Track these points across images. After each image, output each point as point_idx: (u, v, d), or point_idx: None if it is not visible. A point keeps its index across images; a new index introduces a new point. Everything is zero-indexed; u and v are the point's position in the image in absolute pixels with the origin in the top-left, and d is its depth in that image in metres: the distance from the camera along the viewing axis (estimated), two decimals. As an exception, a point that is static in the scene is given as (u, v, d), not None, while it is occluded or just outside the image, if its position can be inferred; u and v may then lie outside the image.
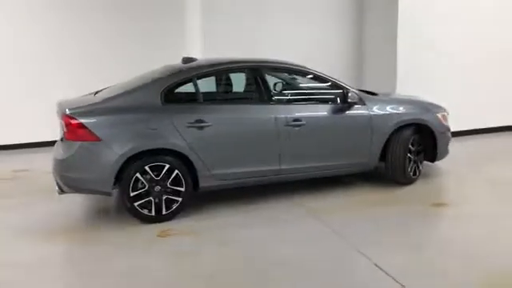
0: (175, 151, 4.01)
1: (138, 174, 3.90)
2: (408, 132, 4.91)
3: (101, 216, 4.34)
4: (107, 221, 4.17)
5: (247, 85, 5.00)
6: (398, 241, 3.62)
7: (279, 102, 4.58)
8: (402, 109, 4.94)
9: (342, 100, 4.67)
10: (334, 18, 8.40)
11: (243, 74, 5.00)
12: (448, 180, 5.50)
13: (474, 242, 3.60)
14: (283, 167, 4.44)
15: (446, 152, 5.33)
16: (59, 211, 4.40)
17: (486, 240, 3.63)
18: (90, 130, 3.81)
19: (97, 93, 4.55)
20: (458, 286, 2.91)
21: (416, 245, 3.55)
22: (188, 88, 4.32)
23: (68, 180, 3.94)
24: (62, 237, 3.83)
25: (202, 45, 7.52)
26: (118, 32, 7.51)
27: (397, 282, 2.93)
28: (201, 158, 4.09)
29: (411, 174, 4.99)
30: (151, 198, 3.96)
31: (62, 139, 4.14)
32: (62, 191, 4.05)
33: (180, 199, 4.06)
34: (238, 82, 5.09)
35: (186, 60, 4.64)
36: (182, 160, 4.04)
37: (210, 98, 4.76)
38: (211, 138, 4.13)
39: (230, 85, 5.25)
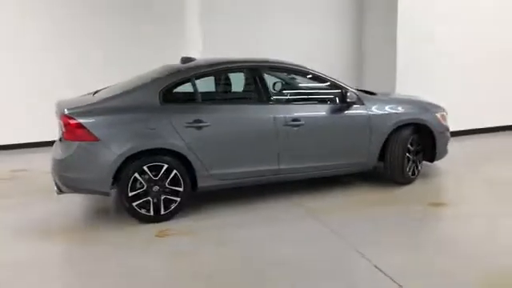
0: (174, 151, 4.01)
1: (136, 174, 3.90)
2: (407, 132, 4.91)
3: (99, 216, 4.34)
4: (106, 221, 4.18)
5: (246, 85, 4.99)
6: (396, 240, 3.62)
7: (278, 101, 4.57)
8: (400, 108, 4.93)
9: (340, 100, 4.66)
10: (334, 18, 8.42)
11: (242, 74, 4.99)
12: (447, 180, 5.49)
13: (472, 241, 3.60)
14: (282, 167, 4.44)
15: (444, 152, 5.32)
16: (58, 211, 4.41)
17: (484, 240, 3.63)
18: (88, 130, 3.81)
19: (95, 93, 4.55)
20: (457, 286, 2.91)
21: (414, 244, 3.55)
22: (186, 88, 4.32)
23: (66, 180, 3.94)
24: (60, 237, 3.84)
25: (201, 45, 7.54)
26: (118, 32, 7.51)
27: (395, 282, 2.93)
28: (199, 158, 4.09)
29: (410, 173, 4.99)
30: (149, 197, 3.96)
31: (60, 139, 4.15)
32: (60, 191, 4.05)
33: (178, 199, 4.06)
34: (237, 81, 5.09)
35: (185, 60, 4.63)
36: (181, 160, 4.04)
37: (208, 97, 4.77)
38: (210, 138, 4.13)
39: (229, 85, 5.24)
